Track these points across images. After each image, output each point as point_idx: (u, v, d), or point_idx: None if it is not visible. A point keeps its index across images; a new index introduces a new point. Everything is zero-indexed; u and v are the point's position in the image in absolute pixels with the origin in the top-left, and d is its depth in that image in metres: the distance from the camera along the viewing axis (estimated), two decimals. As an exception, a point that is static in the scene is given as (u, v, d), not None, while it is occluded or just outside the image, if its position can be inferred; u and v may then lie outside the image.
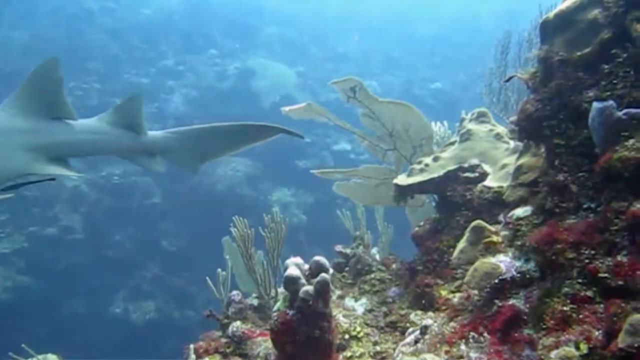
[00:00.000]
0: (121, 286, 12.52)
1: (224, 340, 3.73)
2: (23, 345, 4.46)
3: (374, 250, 5.43)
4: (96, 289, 12.18)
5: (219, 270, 4.00)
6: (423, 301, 3.50)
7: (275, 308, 3.01)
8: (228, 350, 3.62)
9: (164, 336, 11.41)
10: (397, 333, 3.41)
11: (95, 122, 3.33)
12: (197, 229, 12.62)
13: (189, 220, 13.28)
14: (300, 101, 4.53)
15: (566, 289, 2.20)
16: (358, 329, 3.39)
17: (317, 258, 2.95)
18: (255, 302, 4.11)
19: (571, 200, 2.38)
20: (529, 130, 2.58)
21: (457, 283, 3.28)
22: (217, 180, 13.89)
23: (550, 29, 2.59)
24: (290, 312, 2.87)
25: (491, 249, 2.66)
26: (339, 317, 3.51)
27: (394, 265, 4.31)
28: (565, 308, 2.15)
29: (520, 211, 2.69)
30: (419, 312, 3.41)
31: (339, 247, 4.63)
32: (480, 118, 4.00)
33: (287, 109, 4.47)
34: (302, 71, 17.99)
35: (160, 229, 13.40)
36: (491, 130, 3.87)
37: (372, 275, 4.01)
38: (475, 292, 2.63)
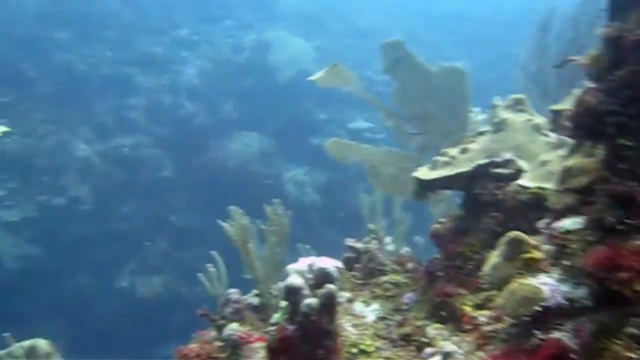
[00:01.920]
0: (128, 260, 12.32)
1: (218, 344, 3.37)
2: (7, 335, 4.16)
3: (388, 239, 5.03)
4: (103, 262, 11.99)
5: (208, 265, 3.60)
6: (442, 312, 3.09)
7: (273, 319, 2.62)
8: (222, 357, 3.24)
9: (171, 312, 11.26)
10: (412, 348, 3.00)
11: None
12: (207, 205, 12.29)
13: (200, 196, 12.96)
14: (317, 77, 4.16)
15: (631, 329, 1.76)
16: (368, 342, 2.98)
17: (323, 265, 2.54)
18: (255, 300, 3.72)
19: (638, 216, 1.92)
20: (587, 126, 2.11)
21: (484, 295, 2.86)
22: (230, 155, 13.53)
23: (624, 0, 2.10)
24: (290, 328, 2.47)
25: (531, 266, 2.21)
26: (347, 326, 3.11)
27: (409, 265, 3.89)
28: (631, 354, 1.72)
29: (569, 223, 2.22)
30: (437, 325, 3.00)
31: (350, 241, 4.23)
32: (517, 106, 3.52)
33: (313, 77, 4.16)
34: (320, 45, 17.32)
35: (170, 204, 13.11)
36: (529, 120, 3.38)
37: (386, 278, 3.60)
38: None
